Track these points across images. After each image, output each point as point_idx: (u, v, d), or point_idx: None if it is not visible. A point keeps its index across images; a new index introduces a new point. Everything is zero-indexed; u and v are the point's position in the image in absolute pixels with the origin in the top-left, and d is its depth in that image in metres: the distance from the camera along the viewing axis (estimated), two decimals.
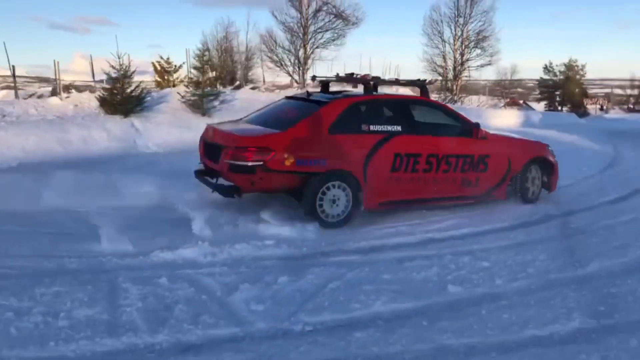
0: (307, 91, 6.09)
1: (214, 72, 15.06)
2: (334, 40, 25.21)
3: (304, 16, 24.41)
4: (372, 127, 5.54)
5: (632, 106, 46.16)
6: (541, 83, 47.23)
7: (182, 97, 12.61)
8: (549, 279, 4.09)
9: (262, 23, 41.45)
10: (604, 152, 11.89)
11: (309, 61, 24.78)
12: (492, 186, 6.31)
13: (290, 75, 24.93)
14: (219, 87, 14.68)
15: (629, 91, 51.32)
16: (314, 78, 6.59)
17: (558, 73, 45.66)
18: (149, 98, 12.42)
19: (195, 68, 13.06)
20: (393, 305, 3.54)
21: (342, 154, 5.32)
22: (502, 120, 18.19)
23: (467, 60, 29.84)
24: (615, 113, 38.53)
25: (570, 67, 44.79)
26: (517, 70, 46.68)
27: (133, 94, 11.42)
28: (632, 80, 50.83)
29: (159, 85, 15.52)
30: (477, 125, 6.18)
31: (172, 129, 11.63)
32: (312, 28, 24.74)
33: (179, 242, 4.53)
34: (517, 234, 5.33)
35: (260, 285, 3.80)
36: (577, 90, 45.46)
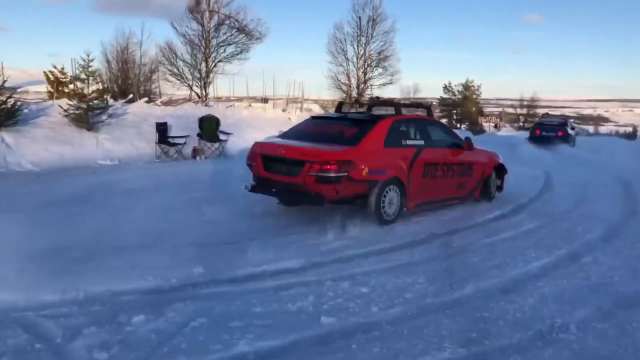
0: (344, 112, 7.32)
1: (103, 84, 14.14)
2: (237, 54, 24.68)
3: (206, 29, 23.72)
4: (408, 142, 6.67)
5: (522, 124, 49.92)
6: (441, 102, 49.63)
7: (65, 110, 11.64)
8: (425, 304, 3.98)
9: (163, 34, 40.00)
10: None
11: (211, 75, 24.07)
12: (474, 188, 7.75)
13: (191, 89, 24.05)
14: (110, 100, 13.77)
15: (519, 110, 55.60)
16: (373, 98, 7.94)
17: (457, 92, 48.30)
18: (25, 110, 11.33)
19: (78, 79, 12.10)
20: (259, 344, 3.24)
21: (395, 165, 6.30)
22: None
23: (370, 78, 30.61)
24: (507, 131, 41.30)
25: (467, 87, 47.59)
26: (419, 88, 48.62)
27: (3, 106, 10.32)
28: (521, 100, 55.23)
29: (53, 96, 14.32)
30: (468, 139, 7.65)
31: (52, 144, 10.70)
32: (214, 41, 24.08)
33: (22, 278, 3.94)
34: (400, 254, 5.23)
35: (110, 326, 3.35)
36: (473, 108, 48.28)
